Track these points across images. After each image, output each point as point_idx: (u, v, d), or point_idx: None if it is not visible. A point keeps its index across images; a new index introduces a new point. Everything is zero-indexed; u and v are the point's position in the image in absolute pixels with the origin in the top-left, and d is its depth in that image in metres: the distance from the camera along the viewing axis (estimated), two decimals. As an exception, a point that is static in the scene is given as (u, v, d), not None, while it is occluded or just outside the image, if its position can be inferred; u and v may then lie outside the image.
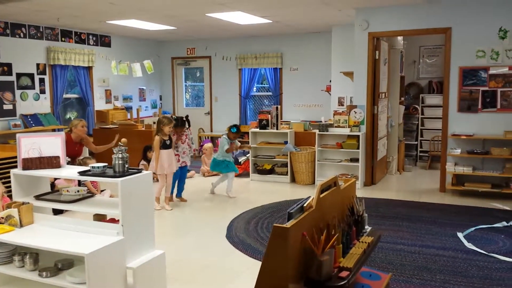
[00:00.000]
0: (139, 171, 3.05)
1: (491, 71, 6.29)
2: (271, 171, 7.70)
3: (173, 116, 6.35)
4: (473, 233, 4.80)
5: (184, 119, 6.62)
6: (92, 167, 3.06)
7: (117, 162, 3.00)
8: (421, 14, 6.58)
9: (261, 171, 7.69)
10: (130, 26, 8.52)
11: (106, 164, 3.11)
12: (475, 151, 6.32)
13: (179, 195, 6.49)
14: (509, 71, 6.20)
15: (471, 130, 6.41)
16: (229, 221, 5.35)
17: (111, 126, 8.72)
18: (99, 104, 9.58)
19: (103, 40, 9.63)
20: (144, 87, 10.88)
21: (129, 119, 9.57)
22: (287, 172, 7.52)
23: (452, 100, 6.52)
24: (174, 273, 3.84)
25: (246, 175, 7.89)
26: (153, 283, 3.12)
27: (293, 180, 7.51)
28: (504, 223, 5.09)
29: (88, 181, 5.76)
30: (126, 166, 3.02)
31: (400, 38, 8.01)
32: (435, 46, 8.92)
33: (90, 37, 9.32)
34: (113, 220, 3.65)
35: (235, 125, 6.74)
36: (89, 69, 9.30)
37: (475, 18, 6.31)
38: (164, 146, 5.85)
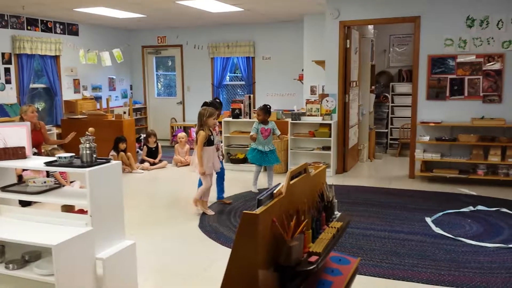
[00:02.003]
0: (108, 161, 3.00)
1: (459, 59, 6.42)
2: (244, 160, 7.69)
3: (206, 102, 5.72)
4: (441, 218, 4.93)
5: (218, 101, 5.96)
6: (59, 157, 2.99)
7: (84, 152, 2.93)
8: (391, 3, 6.65)
9: (234, 160, 7.68)
10: (98, 14, 8.33)
11: (74, 154, 3.04)
12: (443, 138, 6.47)
13: (222, 196, 5.75)
14: (476, 59, 6.35)
15: (439, 118, 6.55)
16: (202, 211, 5.33)
17: (80, 116, 8.54)
18: (67, 94, 9.36)
19: (70, 29, 9.38)
20: (114, 77, 10.68)
21: (98, 109, 9.40)
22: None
23: (421, 88, 6.64)
24: (145, 263, 3.81)
25: (219, 164, 7.86)
26: (124, 273, 3.09)
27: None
28: (471, 208, 5.24)
29: (57, 172, 5.64)
30: (94, 156, 2.96)
31: (370, 27, 8.09)
32: (405, 35, 9.05)
33: (57, 25, 9.08)
34: (82, 211, 3.58)
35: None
36: (56, 58, 9.06)
37: (444, 7, 6.42)
38: (209, 142, 5.06)
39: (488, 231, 4.51)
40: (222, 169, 5.61)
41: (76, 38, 9.48)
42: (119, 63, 9.46)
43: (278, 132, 6.13)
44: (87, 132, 3.20)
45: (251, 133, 6.06)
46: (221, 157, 5.61)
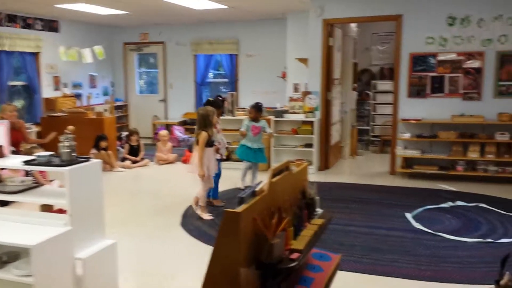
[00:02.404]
0: (87, 159, 2.96)
1: (440, 57, 6.50)
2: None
3: (209, 100, 5.53)
4: (421, 214, 4.99)
5: (221, 98, 5.78)
6: (38, 156, 2.95)
7: (63, 150, 2.89)
8: (374, 2, 6.70)
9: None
10: (79, 10, 8.20)
11: (53, 153, 3.00)
12: (424, 135, 6.55)
13: (216, 196, 5.58)
14: (456, 57, 6.44)
15: (420, 115, 6.62)
16: (184, 209, 5.30)
17: (60, 114, 8.42)
18: (47, 91, 9.20)
19: (51, 25, 9.23)
20: (95, 74, 10.55)
21: (79, 106, 9.27)
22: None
23: (402, 86, 6.71)
24: (127, 263, 3.77)
25: (202, 162, 7.83)
26: (104, 273, 3.06)
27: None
28: (450, 203, 5.32)
29: (36, 171, 5.55)
30: (73, 154, 2.92)
31: (353, 25, 8.14)
32: (387, 33, 9.12)
33: (37, 22, 8.91)
34: (61, 211, 3.53)
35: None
36: (36, 55, 8.91)
37: (425, 6, 6.49)
38: (209, 143, 4.87)
39: (467, 226, 4.59)
40: (219, 168, 5.49)
41: (57, 35, 9.33)
42: (100, 60, 9.34)
43: (268, 130, 6.11)
44: (66, 131, 3.15)
45: (240, 129, 6.00)
46: (223, 155, 5.56)
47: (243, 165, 6.18)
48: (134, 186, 6.76)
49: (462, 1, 6.32)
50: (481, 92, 6.38)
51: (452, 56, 6.45)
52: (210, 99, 5.73)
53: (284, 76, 9.44)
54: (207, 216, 4.95)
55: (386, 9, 6.67)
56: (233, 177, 6.99)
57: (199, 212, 5.00)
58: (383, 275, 3.55)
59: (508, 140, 6.13)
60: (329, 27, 7.03)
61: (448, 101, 6.53)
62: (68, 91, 9.66)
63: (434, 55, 6.52)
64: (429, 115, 6.60)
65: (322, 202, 5.21)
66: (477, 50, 6.32)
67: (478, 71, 6.36)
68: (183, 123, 10.66)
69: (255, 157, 6.01)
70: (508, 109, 6.23)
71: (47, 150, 4.55)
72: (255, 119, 5.99)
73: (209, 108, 4.97)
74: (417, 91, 6.64)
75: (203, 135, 4.77)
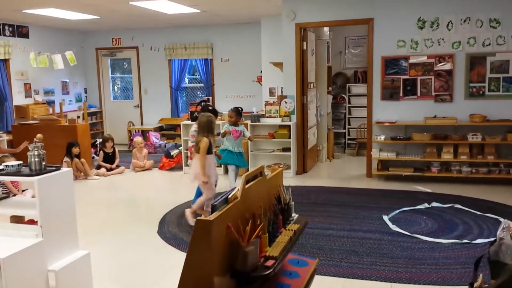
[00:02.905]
0: (58, 168, 2.89)
1: (411, 60, 6.60)
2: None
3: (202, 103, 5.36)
4: (398, 216, 5.04)
5: (210, 107, 5.63)
6: (6, 166, 2.86)
7: (33, 159, 2.81)
8: (345, 5, 6.76)
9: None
10: (49, 16, 8.05)
11: (21, 162, 2.91)
12: (398, 137, 6.63)
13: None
14: (427, 59, 6.54)
15: (394, 117, 6.70)
16: (161, 216, 5.23)
17: (31, 122, 8.22)
18: (18, 98, 8.99)
19: (20, 31, 9.03)
20: (67, 80, 10.36)
21: (51, 114, 9.08)
22: (220, 164, 7.47)
23: (375, 89, 6.78)
24: (102, 273, 3.69)
25: (179, 168, 7.76)
26: (78, 285, 2.99)
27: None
28: (426, 205, 5.38)
29: (8, 180, 5.39)
30: (43, 163, 2.84)
31: (326, 29, 8.20)
32: (360, 36, 9.23)
33: (6, 27, 8.71)
34: (32, 222, 3.43)
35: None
36: (5, 61, 8.70)
37: (396, 9, 6.58)
38: (209, 150, 4.68)
39: (443, 228, 4.64)
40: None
41: (27, 41, 9.13)
42: (72, 66, 9.17)
43: (248, 134, 6.01)
44: (35, 139, 3.07)
45: (222, 131, 5.84)
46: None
47: (230, 169, 6.01)
48: (110, 194, 6.64)
49: (431, 4, 6.44)
50: (453, 94, 6.50)
51: (423, 59, 6.55)
52: (210, 105, 5.60)
53: (259, 80, 9.44)
54: (192, 222, 4.82)
55: (357, 13, 6.74)
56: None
57: (188, 215, 4.91)
58: (361, 279, 3.56)
59: (480, 141, 6.25)
60: (302, 31, 7.06)
61: (420, 103, 6.62)
62: (39, 98, 9.46)
63: (405, 58, 6.61)
64: (402, 118, 6.69)
65: (300, 206, 5.21)
66: (447, 53, 6.44)
67: (449, 73, 6.47)
68: (159, 129, 10.55)
69: (238, 161, 5.94)
70: (480, 110, 6.35)
71: (19, 159, 4.44)
72: (235, 123, 5.94)
73: (205, 115, 4.82)
74: (390, 94, 6.72)
75: (205, 141, 4.61)
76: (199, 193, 5.07)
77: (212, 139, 4.71)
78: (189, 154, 5.08)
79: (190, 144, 5.04)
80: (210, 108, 5.56)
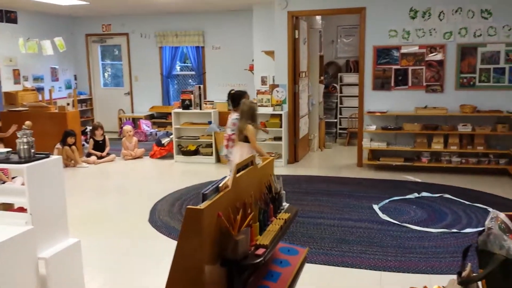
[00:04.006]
0: (47, 155, 2.86)
1: (403, 50, 6.60)
2: (195, 152, 7.61)
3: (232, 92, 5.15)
4: (388, 205, 5.08)
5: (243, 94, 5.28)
6: (-6, 153, 2.83)
7: (21, 147, 2.79)
8: (338, -6, 6.73)
9: (186, 152, 7.57)
10: (38, 1, 7.91)
11: (10, 149, 2.88)
12: (389, 127, 6.65)
13: None
14: (419, 50, 6.55)
15: (385, 107, 6.72)
16: (152, 205, 5.22)
17: (20, 108, 8.12)
18: (7, 85, 8.86)
19: (8, 16, 8.87)
20: (57, 66, 10.23)
21: (40, 100, 8.98)
22: (212, 152, 7.47)
23: (367, 79, 6.78)
24: (93, 261, 3.69)
25: (170, 156, 7.74)
26: (69, 272, 2.98)
27: (218, 160, 7.47)
28: (416, 194, 5.43)
29: (-4, 168, 5.35)
30: (32, 151, 2.82)
31: (318, 18, 8.16)
32: (352, 26, 9.20)
33: (-6, 12, 8.56)
34: (22, 209, 3.41)
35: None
36: (-7, 47, 8.56)
37: (388, -1, 6.57)
38: (246, 138, 4.53)
39: (432, 217, 4.69)
40: None
41: (15, 26, 8.97)
42: (62, 52, 9.05)
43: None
44: (24, 126, 3.04)
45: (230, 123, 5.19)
46: None
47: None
48: (100, 182, 6.61)
49: (423, -6, 6.44)
50: (444, 84, 6.52)
51: (415, 49, 6.56)
52: (242, 91, 5.24)
53: (251, 69, 9.40)
54: None
55: (349, 2, 6.72)
56: (202, 171, 6.96)
57: None
58: (351, 267, 3.59)
59: (470, 131, 6.29)
60: (294, 19, 7.03)
61: (411, 93, 6.64)
62: (29, 84, 9.34)
63: (397, 48, 6.61)
64: (393, 108, 6.71)
65: (291, 195, 5.22)
66: (439, 43, 6.45)
67: (440, 63, 6.49)
68: (150, 117, 10.49)
69: None
70: (470, 100, 6.39)
71: (7, 146, 4.39)
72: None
73: (249, 102, 4.69)
74: (381, 83, 6.73)
75: (251, 128, 4.48)
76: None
77: (256, 126, 4.60)
78: (225, 142, 4.99)
79: (229, 132, 4.90)
80: (243, 94, 5.22)
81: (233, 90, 5.25)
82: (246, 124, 4.50)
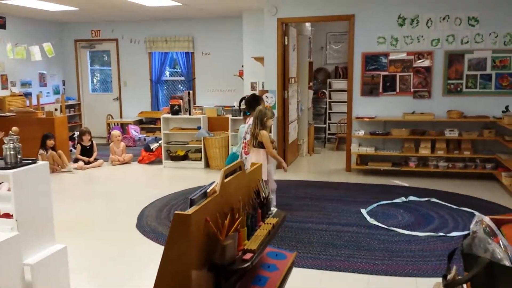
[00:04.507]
0: (34, 161, 2.84)
1: (391, 57, 6.67)
2: (184, 157, 7.59)
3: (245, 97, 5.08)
4: (375, 209, 5.11)
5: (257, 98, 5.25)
6: (-20, 158, 2.80)
7: (8, 152, 2.76)
8: (327, 1, 6.79)
9: (174, 158, 7.55)
10: (27, 6, 7.87)
11: (-4, 155, 2.86)
12: (377, 132, 6.70)
13: None
14: (407, 56, 6.62)
15: (373, 113, 6.77)
16: (140, 210, 5.19)
17: (7, 114, 8.05)
18: (-6, 90, 8.80)
19: (-4, 21, 8.81)
20: (45, 72, 10.17)
21: (28, 106, 8.91)
22: (201, 157, 7.46)
23: (356, 85, 6.84)
24: (79, 267, 3.66)
25: (159, 162, 7.71)
26: (55, 278, 2.95)
27: (207, 165, 7.47)
28: (403, 199, 5.47)
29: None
30: (19, 156, 2.79)
31: (308, 24, 8.22)
32: (341, 32, 9.28)
33: (-19, 17, 8.49)
34: (7, 215, 3.37)
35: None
36: (-20, 52, 8.49)
37: (376, 6, 6.64)
38: (262, 144, 4.52)
39: (419, 221, 4.73)
40: None
41: (3, 32, 8.91)
42: (50, 58, 9.00)
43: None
44: (10, 132, 3.01)
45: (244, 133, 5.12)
46: None
47: None
48: (88, 188, 6.56)
49: (411, 1, 6.51)
50: (431, 90, 6.59)
51: (403, 56, 6.63)
52: (256, 96, 5.22)
53: (241, 74, 9.42)
54: None
55: (338, 9, 6.77)
56: (191, 177, 6.95)
57: None
58: (339, 271, 3.60)
59: (457, 136, 6.36)
60: (283, 26, 7.07)
61: (399, 99, 6.71)
62: (16, 90, 9.27)
63: (385, 55, 6.68)
64: (382, 113, 6.76)
65: (280, 199, 5.22)
66: (426, 50, 6.53)
67: (428, 70, 6.56)
68: (138, 122, 10.45)
69: None
70: (457, 106, 6.46)
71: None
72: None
73: (266, 108, 4.65)
74: (370, 89, 6.79)
75: (265, 134, 4.47)
76: None
77: (268, 132, 4.58)
78: (245, 149, 4.90)
79: (249, 138, 4.82)
80: (259, 99, 5.21)
81: (245, 96, 5.16)
82: (258, 129, 4.49)
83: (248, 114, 5.28)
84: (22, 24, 9.41)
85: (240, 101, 5.22)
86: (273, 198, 4.58)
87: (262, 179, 2.56)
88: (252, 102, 5.03)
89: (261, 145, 4.53)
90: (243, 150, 5.00)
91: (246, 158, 4.88)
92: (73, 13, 8.82)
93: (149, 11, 8.68)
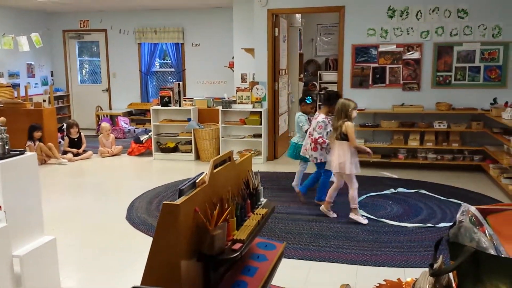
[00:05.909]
0: (22, 152, 2.82)
1: (381, 49, 6.68)
2: (175, 149, 7.57)
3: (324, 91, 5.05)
4: (365, 200, 5.14)
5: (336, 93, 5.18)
6: (-33, 149, 2.77)
7: (-5, 143, 2.74)
8: (317, -8, 6.77)
9: (165, 150, 7.53)
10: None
11: (-17, 146, 2.82)
12: (367, 124, 6.73)
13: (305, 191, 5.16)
14: (396, 48, 6.63)
15: (363, 105, 6.79)
16: (130, 202, 5.18)
17: (-5, 105, 7.96)
18: (-19, 81, 8.69)
19: (-18, 10, 8.68)
20: (33, 63, 10.05)
21: (16, 97, 8.81)
22: (191, 149, 7.44)
23: (345, 77, 6.85)
24: (68, 259, 3.65)
25: (149, 154, 7.69)
26: (44, 270, 2.95)
27: (197, 157, 7.45)
28: (392, 190, 5.51)
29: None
30: (7, 147, 2.77)
31: (298, 16, 8.20)
32: (331, 24, 9.27)
33: (-34, 6, 8.36)
34: (-5, 207, 3.35)
35: (308, 94, 5.18)
36: (-34, 42, 8.35)
37: (366, -3, 6.64)
38: (346, 137, 4.37)
39: (408, 212, 4.77)
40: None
41: (-11, 21, 8.80)
42: (38, 48, 8.90)
43: (306, 127, 5.29)
44: (-3, 122, 2.98)
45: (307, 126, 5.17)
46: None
47: (300, 167, 5.54)
48: (77, 180, 6.52)
49: (401, -7, 6.52)
50: (420, 82, 6.63)
51: (392, 48, 6.65)
52: (333, 91, 5.17)
53: (231, 66, 9.39)
54: (363, 220, 4.45)
55: (328, 0, 6.76)
56: (181, 168, 6.94)
57: (353, 217, 4.46)
58: (328, 261, 3.63)
59: (445, 128, 6.41)
60: (274, 17, 7.04)
61: (389, 91, 6.74)
62: (4, 81, 9.16)
63: (375, 47, 6.69)
64: (371, 105, 6.79)
65: (270, 191, 5.24)
66: (416, 42, 6.55)
67: (417, 62, 6.59)
68: (128, 114, 10.39)
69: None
70: (446, 98, 6.51)
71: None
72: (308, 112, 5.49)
73: (348, 99, 4.53)
74: (360, 81, 6.80)
75: (351, 126, 4.33)
76: (313, 178, 5.03)
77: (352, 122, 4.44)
78: (311, 145, 4.83)
79: (316, 135, 4.77)
80: (339, 94, 5.16)
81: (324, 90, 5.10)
82: (342, 121, 4.36)
83: (309, 102, 5.40)
84: (9, 14, 9.28)
85: (300, 102, 5.40)
86: (354, 196, 4.48)
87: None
88: (333, 96, 4.94)
89: (344, 137, 4.39)
90: (310, 147, 4.89)
91: (319, 153, 4.81)
92: (61, 2, 8.71)
93: (138, 1, 8.60)
